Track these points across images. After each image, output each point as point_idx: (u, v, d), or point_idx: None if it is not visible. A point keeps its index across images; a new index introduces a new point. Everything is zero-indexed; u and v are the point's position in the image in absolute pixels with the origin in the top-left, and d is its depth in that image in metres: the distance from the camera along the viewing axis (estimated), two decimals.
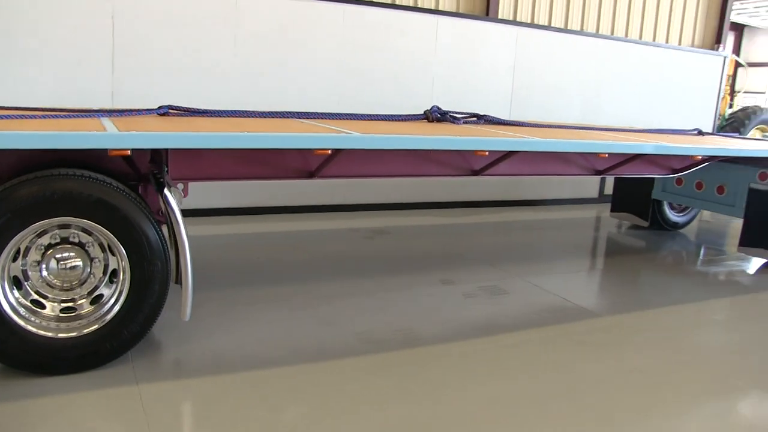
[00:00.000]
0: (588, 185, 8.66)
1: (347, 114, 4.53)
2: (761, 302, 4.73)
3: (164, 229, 3.06)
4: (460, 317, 3.96)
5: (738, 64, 14.54)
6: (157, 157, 3.26)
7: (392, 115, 4.53)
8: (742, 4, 14.62)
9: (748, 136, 9.75)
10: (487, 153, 3.89)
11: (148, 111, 3.78)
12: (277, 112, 4.15)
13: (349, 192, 7.02)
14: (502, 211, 7.77)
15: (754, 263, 5.78)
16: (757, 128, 10.81)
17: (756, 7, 15.26)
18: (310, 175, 3.93)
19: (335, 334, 3.55)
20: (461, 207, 7.71)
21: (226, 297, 4.03)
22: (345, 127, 3.71)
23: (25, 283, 2.89)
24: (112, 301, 2.96)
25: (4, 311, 2.76)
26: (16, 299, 2.84)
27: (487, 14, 7.80)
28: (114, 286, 2.98)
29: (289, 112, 4.21)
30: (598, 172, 5.11)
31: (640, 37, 9.13)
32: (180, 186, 3.52)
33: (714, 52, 9.54)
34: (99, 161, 3.05)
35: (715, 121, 9.58)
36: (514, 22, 7.80)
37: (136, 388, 2.79)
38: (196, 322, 3.45)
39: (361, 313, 3.92)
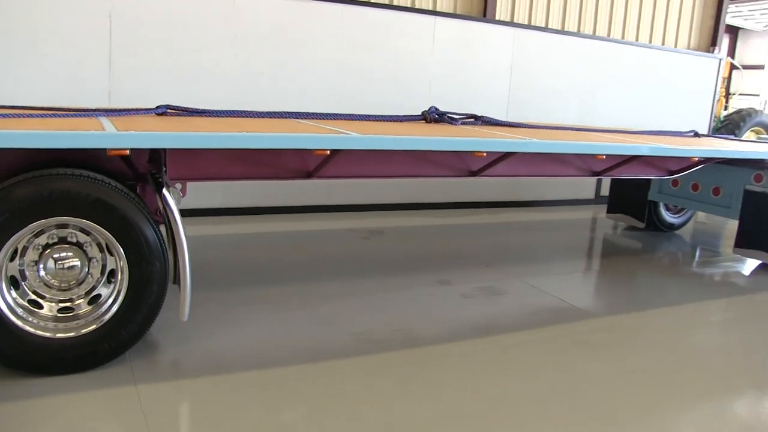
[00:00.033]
0: (584, 186, 8.68)
1: (344, 114, 4.53)
2: (757, 303, 4.76)
3: (162, 229, 3.05)
4: (458, 317, 3.97)
5: (733, 67, 14.61)
6: (156, 156, 3.25)
7: (390, 116, 4.53)
8: (736, 6, 14.70)
9: (743, 138, 9.80)
10: (485, 154, 3.90)
11: (146, 111, 3.77)
12: (275, 113, 4.14)
13: (346, 192, 7.01)
14: (498, 212, 7.78)
15: (750, 264, 5.80)
16: (751, 130, 10.86)
17: (750, 10, 15.36)
18: (308, 175, 3.93)
19: (334, 334, 3.55)
20: (458, 208, 7.72)
21: (224, 297, 4.02)
22: (343, 128, 3.71)
23: (23, 283, 2.87)
24: (110, 301, 2.95)
25: (2, 311, 2.75)
26: (14, 299, 2.83)
27: (485, 15, 7.81)
28: (112, 286, 2.97)
29: (287, 113, 4.21)
30: (595, 174, 5.13)
31: (637, 39, 9.16)
32: (178, 186, 3.52)
33: (709, 54, 9.58)
34: (97, 161, 3.04)
35: (710, 123, 9.62)
36: (511, 24, 7.81)
37: (135, 389, 2.79)
38: (195, 322, 3.44)
39: (360, 314, 3.92)
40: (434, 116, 4.65)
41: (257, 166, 3.75)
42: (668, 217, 6.93)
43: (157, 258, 2.93)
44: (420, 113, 4.67)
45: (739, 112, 11.15)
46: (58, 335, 2.83)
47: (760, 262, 5.69)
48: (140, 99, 5.30)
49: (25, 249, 2.84)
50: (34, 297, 2.89)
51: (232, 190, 6.36)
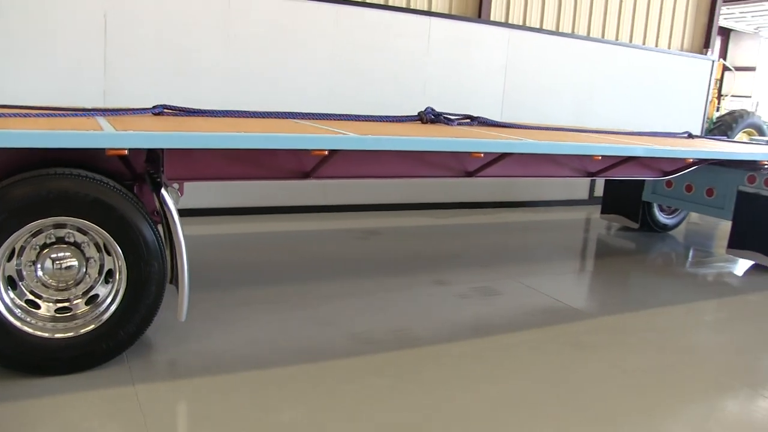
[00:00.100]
0: (578, 187, 8.72)
1: (340, 115, 4.54)
2: (750, 303, 4.80)
3: (159, 229, 3.04)
4: (456, 318, 3.98)
5: (725, 68, 14.71)
6: (153, 156, 3.24)
7: (386, 116, 4.54)
8: (728, 8, 14.79)
9: (735, 140, 9.88)
10: (482, 155, 3.92)
11: (143, 110, 3.76)
12: (272, 113, 4.14)
13: (341, 192, 7.02)
14: (492, 212, 7.81)
15: (743, 265, 5.85)
16: (744, 132, 10.96)
17: (742, 12, 15.45)
18: (306, 175, 3.93)
19: (334, 334, 3.55)
20: (453, 208, 7.74)
21: (222, 297, 4.02)
22: (339, 128, 3.72)
23: (20, 283, 2.87)
24: (109, 301, 2.94)
25: (0, 312, 2.73)
26: (11, 300, 2.82)
27: (479, 16, 7.83)
28: (110, 286, 2.97)
29: (285, 113, 4.21)
30: (590, 174, 5.16)
31: (631, 41, 9.21)
32: (175, 186, 3.51)
33: (703, 56, 9.65)
34: (95, 161, 3.03)
35: (703, 124, 9.69)
36: (506, 24, 7.84)
37: (133, 389, 2.78)
38: (193, 322, 3.44)
39: (359, 314, 3.93)
40: (430, 117, 4.66)
41: (255, 166, 3.75)
42: (662, 217, 6.98)
43: (156, 258, 2.93)
44: (416, 114, 4.68)
45: (731, 113, 11.24)
46: (57, 335, 2.83)
47: (753, 262, 5.73)
48: (136, 98, 5.29)
49: (22, 249, 2.83)
50: (31, 297, 2.89)
51: (227, 190, 6.35)
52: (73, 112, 3.42)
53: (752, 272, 5.65)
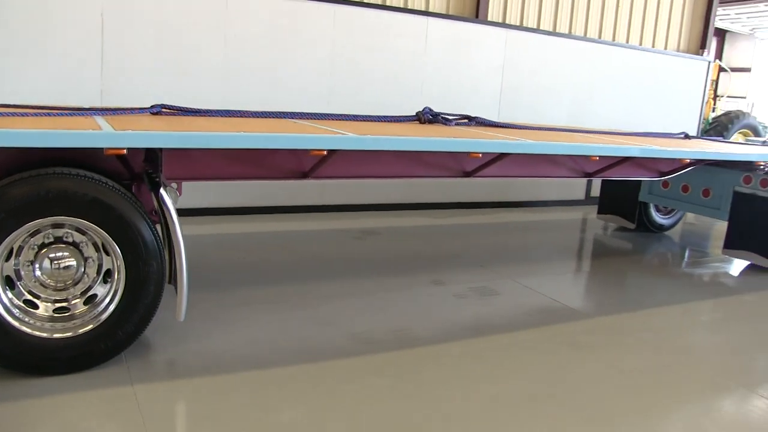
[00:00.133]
0: (575, 187, 8.75)
1: (338, 114, 4.54)
2: (746, 303, 4.82)
3: (158, 228, 3.04)
4: (455, 318, 3.99)
5: (721, 69, 14.77)
6: (152, 156, 3.24)
7: (383, 116, 4.54)
8: (724, 10, 14.85)
9: (731, 140, 9.92)
10: (480, 155, 3.93)
11: (141, 110, 3.75)
12: (270, 113, 4.14)
13: (338, 192, 7.02)
14: (490, 213, 7.82)
15: (738, 265, 5.88)
16: (739, 132, 11.00)
17: (737, 14, 15.52)
18: (304, 175, 3.93)
19: (334, 334, 3.55)
20: (450, 208, 7.75)
21: (221, 297, 4.01)
22: (338, 128, 3.72)
23: (18, 283, 2.86)
24: (107, 301, 2.94)
25: None
26: (9, 300, 2.81)
27: (477, 16, 7.84)
28: (108, 286, 2.96)
29: (283, 113, 4.21)
30: (587, 175, 5.17)
31: (627, 41, 9.24)
32: (174, 185, 3.50)
33: (699, 56, 9.68)
34: (93, 160, 3.02)
35: (699, 125, 9.72)
36: (503, 24, 7.85)
37: (132, 389, 2.78)
38: (191, 322, 3.43)
39: (359, 314, 3.93)
40: (428, 117, 4.67)
41: (253, 166, 3.75)
42: (658, 218, 7.00)
43: (154, 258, 2.92)
44: (414, 114, 4.68)
45: (727, 114, 11.29)
46: (56, 335, 2.82)
47: (749, 262, 5.76)
48: (133, 98, 5.27)
49: (20, 249, 2.82)
50: (29, 297, 2.88)
51: (222, 190, 6.34)
52: (71, 112, 3.41)
53: (748, 272, 5.68)
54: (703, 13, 9.95)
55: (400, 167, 4.23)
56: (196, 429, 2.59)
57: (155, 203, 3.01)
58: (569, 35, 8.46)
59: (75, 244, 2.92)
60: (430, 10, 7.56)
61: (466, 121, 4.89)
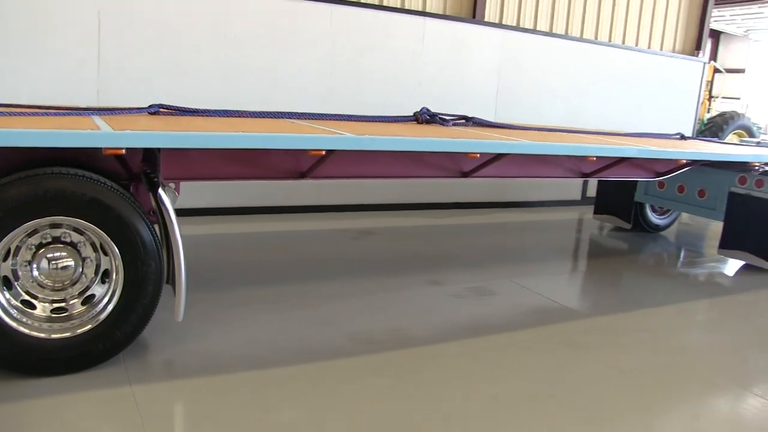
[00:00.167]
0: (571, 187, 8.77)
1: (336, 114, 4.54)
2: (741, 303, 4.85)
3: (156, 228, 3.03)
4: (453, 318, 3.99)
5: (716, 70, 14.83)
6: (150, 156, 3.23)
7: (381, 117, 4.54)
8: (719, 11, 14.91)
9: (726, 141, 9.97)
10: (478, 155, 3.93)
11: (139, 110, 3.75)
12: (268, 113, 4.14)
13: (335, 192, 7.01)
14: (487, 213, 7.84)
15: (733, 265, 5.91)
16: (734, 133, 11.06)
17: (732, 15, 15.58)
18: (302, 175, 3.93)
19: (333, 335, 3.55)
20: (446, 208, 7.76)
21: (219, 297, 4.01)
22: (336, 128, 3.72)
23: (15, 283, 2.85)
24: (105, 301, 2.93)
25: None
26: (7, 300, 2.80)
27: (474, 17, 7.85)
28: (107, 286, 2.95)
29: (281, 113, 4.20)
30: (584, 175, 5.19)
31: (623, 42, 9.27)
32: (172, 185, 3.50)
33: (694, 58, 9.73)
34: (91, 160, 3.01)
35: (694, 126, 9.76)
36: (499, 25, 7.87)
37: (130, 389, 2.77)
38: (190, 322, 3.42)
39: (359, 314, 3.93)
40: (426, 117, 4.67)
41: (251, 166, 3.74)
42: (654, 218, 7.03)
43: (153, 258, 2.91)
44: (411, 114, 4.68)
45: (722, 115, 11.35)
46: (54, 336, 2.81)
47: (744, 262, 5.79)
48: (131, 98, 5.26)
49: (18, 249, 2.81)
50: (27, 297, 2.87)
51: (220, 190, 6.33)
52: (69, 111, 3.40)
53: (743, 272, 5.71)
54: (699, 15, 9.99)
55: (398, 167, 4.24)
56: (196, 429, 2.59)
57: (153, 203, 3.00)
58: (566, 36, 8.49)
59: (73, 244, 2.91)
60: (427, 10, 7.57)
61: (463, 121, 4.90)
